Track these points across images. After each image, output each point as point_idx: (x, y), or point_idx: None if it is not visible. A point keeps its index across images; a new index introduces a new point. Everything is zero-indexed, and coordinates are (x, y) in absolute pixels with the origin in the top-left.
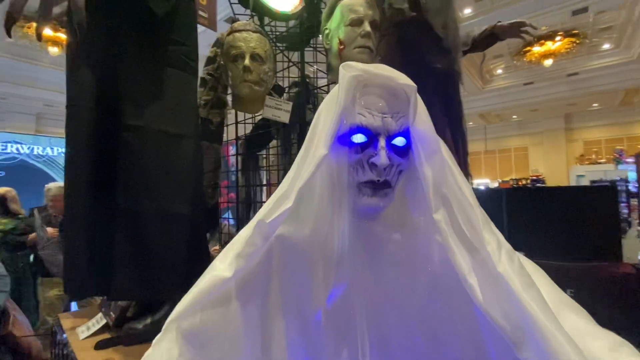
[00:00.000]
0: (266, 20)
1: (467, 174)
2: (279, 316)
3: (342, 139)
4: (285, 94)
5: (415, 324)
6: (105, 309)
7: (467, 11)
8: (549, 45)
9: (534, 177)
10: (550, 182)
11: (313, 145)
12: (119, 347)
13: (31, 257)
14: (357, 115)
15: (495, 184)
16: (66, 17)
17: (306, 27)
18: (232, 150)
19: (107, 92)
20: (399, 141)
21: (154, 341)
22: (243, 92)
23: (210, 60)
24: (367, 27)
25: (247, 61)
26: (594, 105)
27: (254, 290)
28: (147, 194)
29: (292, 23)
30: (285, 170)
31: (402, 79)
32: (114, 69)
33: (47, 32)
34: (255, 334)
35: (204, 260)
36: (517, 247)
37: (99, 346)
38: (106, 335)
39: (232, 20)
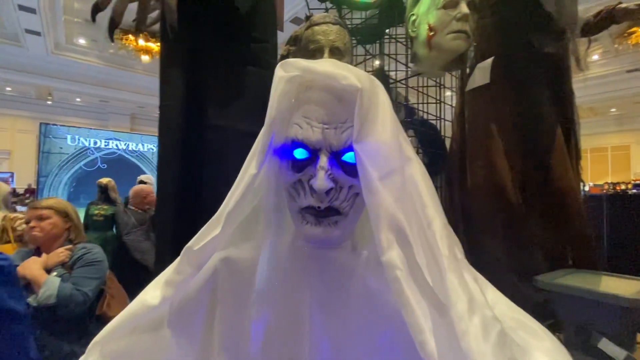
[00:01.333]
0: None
1: (579, 178)
2: (219, 346)
3: (284, 154)
4: None
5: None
6: None
7: None
8: None
9: (638, 182)
10: None
11: (248, 163)
12: None
13: None
14: (294, 127)
15: (585, 189)
16: (160, 19)
17: (385, 16)
18: None
19: (193, 92)
20: (350, 157)
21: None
22: None
23: (282, 59)
24: (464, 8)
25: (326, 55)
26: None
27: (192, 319)
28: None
29: (368, 13)
30: None
31: (347, 78)
32: (200, 69)
33: (140, 42)
34: None
35: None
36: (618, 263)
37: None
38: None
39: (307, 17)
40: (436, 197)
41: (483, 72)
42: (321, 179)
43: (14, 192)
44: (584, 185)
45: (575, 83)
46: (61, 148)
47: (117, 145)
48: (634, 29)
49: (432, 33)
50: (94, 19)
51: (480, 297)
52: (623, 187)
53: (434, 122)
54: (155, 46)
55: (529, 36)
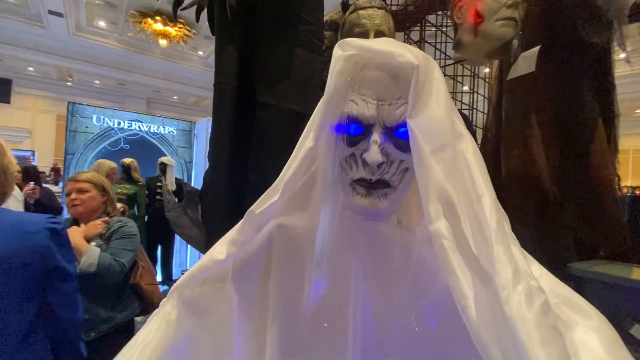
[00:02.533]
0: None
1: (616, 176)
2: (275, 305)
3: (339, 129)
4: None
5: (415, 342)
6: None
7: None
8: None
9: None
10: None
11: (305, 136)
12: None
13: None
14: (350, 103)
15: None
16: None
17: (426, 3)
18: None
19: (246, 71)
20: (402, 133)
21: (160, 303)
22: None
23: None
24: None
25: (372, 38)
26: None
27: (251, 276)
28: (274, 171)
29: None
30: None
31: (403, 56)
32: (252, 49)
33: (158, 26)
34: (248, 319)
35: None
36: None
37: None
38: None
39: (343, 3)
40: (487, 174)
41: (528, 60)
42: (374, 153)
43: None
44: (619, 180)
45: None
46: (87, 127)
47: (139, 127)
48: None
49: (479, 19)
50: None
51: (526, 268)
52: None
53: (466, 112)
54: (173, 30)
55: (576, 26)
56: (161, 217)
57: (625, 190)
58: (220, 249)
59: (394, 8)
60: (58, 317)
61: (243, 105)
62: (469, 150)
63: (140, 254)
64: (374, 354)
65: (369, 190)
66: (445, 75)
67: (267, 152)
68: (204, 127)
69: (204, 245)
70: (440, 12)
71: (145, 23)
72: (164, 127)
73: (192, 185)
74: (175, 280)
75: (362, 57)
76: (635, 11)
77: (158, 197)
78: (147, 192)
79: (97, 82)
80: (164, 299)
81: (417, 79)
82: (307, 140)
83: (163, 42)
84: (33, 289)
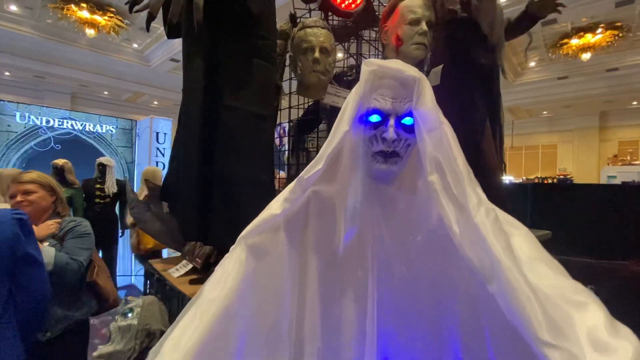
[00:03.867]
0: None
1: (502, 162)
2: (312, 247)
3: (362, 118)
4: (345, 78)
5: (417, 263)
6: (189, 257)
7: (502, 0)
8: (589, 38)
9: (562, 176)
10: (579, 182)
11: (340, 123)
12: None
13: None
14: (373, 100)
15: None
16: (186, 16)
17: (362, 21)
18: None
19: (212, 78)
20: (407, 120)
21: (231, 248)
22: (311, 80)
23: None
24: (424, 26)
25: (316, 54)
26: (633, 103)
27: (296, 226)
28: (239, 164)
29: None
30: None
31: (410, 71)
32: (217, 59)
33: (84, 14)
34: (294, 260)
35: None
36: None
37: (194, 282)
38: (194, 276)
39: (291, 15)
40: (459, 146)
41: (435, 75)
42: (391, 132)
43: None
44: (505, 167)
45: (516, 87)
46: (9, 126)
47: (72, 125)
48: (565, 40)
49: (400, 42)
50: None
51: (484, 198)
52: (549, 180)
53: None
54: (102, 20)
55: (469, 49)
56: (101, 221)
57: (536, 180)
58: (276, 205)
59: (335, 23)
60: (26, 300)
61: (210, 107)
62: (448, 131)
63: (94, 254)
64: (387, 273)
65: (385, 159)
66: None
67: (232, 148)
68: (146, 125)
69: (167, 238)
70: (374, 29)
71: (68, 10)
72: (101, 126)
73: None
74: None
75: (380, 71)
76: (511, 29)
77: (97, 200)
78: (84, 195)
79: (7, 73)
80: (233, 245)
81: (418, 86)
82: (341, 125)
83: (90, 32)
84: (4, 275)
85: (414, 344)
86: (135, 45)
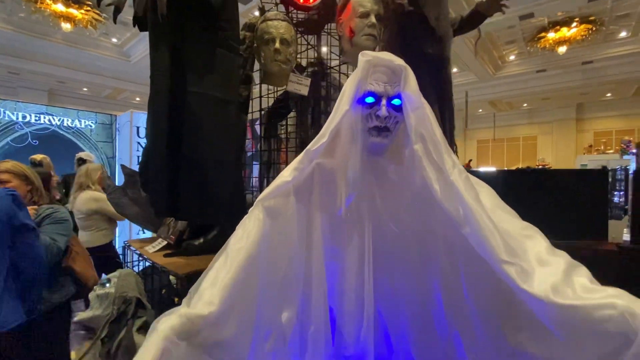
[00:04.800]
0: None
1: (452, 144)
2: (317, 210)
3: (359, 100)
4: (305, 73)
5: (405, 220)
6: (163, 235)
7: None
8: (564, 32)
9: (540, 166)
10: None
11: (340, 104)
12: (181, 257)
13: None
14: (369, 85)
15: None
16: (150, 7)
17: (322, 16)
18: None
19: (177, 66)
20: (396, 101)
21: (249, 211)
22: (273, 69)
23: (242, 43)
24: (372, 19)
25: (277, 44)
26: (607, 95)
27: (303, 193)
28: (204, 145)
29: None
30: (301, 138)
31: (398, 61)
32: (182, 49)
33: (59, 7)
34: (302, 219)
35: (241, 196)
36: None
37: (167, 255)
38: (168, 251)
39: (260, 8)
40: (437, 122)
41: None
42: (384, 110)
43: None
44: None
45: (497, 80)
46: None
47: (49, 121)
48: (542, 34)
49: (352, 34)
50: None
51: (457, 162)
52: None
53: None
54: (78, 13)
55: (417, 40)
56: None
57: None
58: (287, 173)
59: (301, 17)
60: (28, 266)
61: (176, 93)
62: (428, 111)
63: (74, 240)
64: (380, 231)
65: (379, 133)
66: (341, 73)
67: (198, 131)
68: (126, 120)
69: (144, 221)
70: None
71: (41, 3)
72: (79, 121)
73: (115, 182)
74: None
75: (374, 61)
76: (464, 24)
77: None
78: (64, 189)
79: None
80: (251, 208)
81: (404, 73)
82: (342, 105)
83: (66, 26)
84: (5, 244)
85: (403, 290)
86: (114, 40)
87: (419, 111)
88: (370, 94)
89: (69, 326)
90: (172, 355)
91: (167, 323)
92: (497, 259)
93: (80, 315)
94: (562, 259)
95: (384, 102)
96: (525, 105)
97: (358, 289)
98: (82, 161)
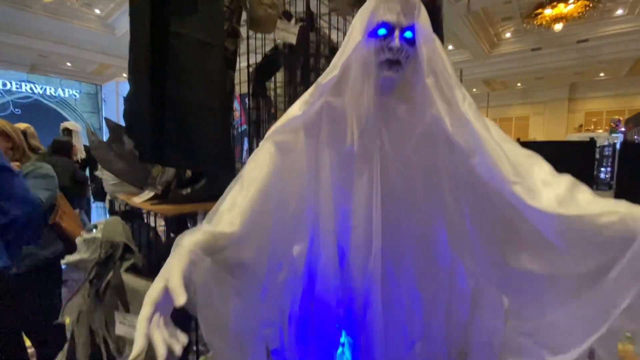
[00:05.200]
0: None
1: None
2: (326, 148)
3: (371, 33)
4: (292, 20)
5: (412, 159)
6: (151, 186)
7: None
8: (561, 8)
9: None
10: None
11: (351, 36)
12: (169, 205)
13: None
14: (381, 15)
15: None
16: None
17: None
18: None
19: (157, 6)
20: (408, 34)
21: (260, 143)
22: (259, 13)
23: None
24: None
25: None
26: (601, 75)
27: (311, 132)
28: (187, 88)
29: None
30: (290, 96)
31: None
32: None
33: None
34: (312, 156)
35: (229, 149)
36: None
37: (154, 204)
38: (155, 201)
39: None
40: (447, 56)
41: None
42: (397, 41)
43: None
44: None
45: (492, 58)
46: None
47: (32, 89)
48: (539, 10)
49: None
50: None
51: (468, 94)
52: None
53: None
54: None
55: None
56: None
57: None
58: (297, 107)
59: None
60: (14, 207)
61: (158, 33)
62: (438, 44)
63: (62, 200)
64: (386, 171)
65: (390, 67)
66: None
67: (180, 74)
68: (112, 90)
69: (130, 177)
70: None
71: None
72: (63, 90)
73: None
74: None
75: None
76: None
77: None
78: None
79: None
80: (261, 142)
81: (417, 5)
82: (354, 35)
83: None
84: None
85: (407, 226)
86: (97, 11)
87: (431, 44)
88: (383, 24)
89: (60, 284)
90: (198, 268)
91: (191, 239)
92: (507, 181)
93: (67, 258)
94: (565, 178)
95: (397, 33)
96: (519, 84)
97: (366, 224)
98: (67, 131)
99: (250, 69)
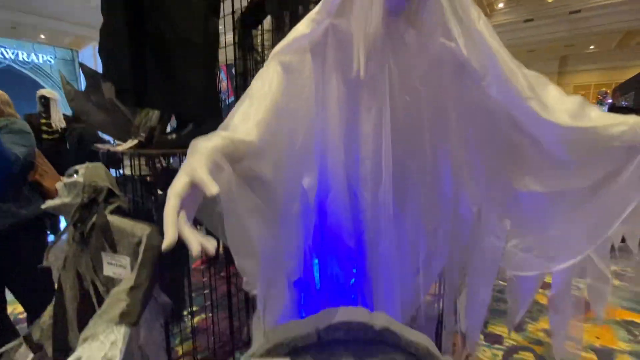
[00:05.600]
0: None
1: None
2: (333, 73)
3: None
4: None
5: (419, 90)
6: (135, 134)
7: None
8: None
9: None
10: None
11: None
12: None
13: None
14: None
15: None
16: None
17: None
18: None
19: None
20: None
21: (265, 63)
22: None
23: None
24: None
25: None
26: (591, 47)
27: (319, 51)
28: (168, 23)
29: None
30: None
31: None
32: None
33: None
34: (319, 82)
35: (213, 84)
36: None
37: (137, 147)
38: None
39: None
40: None
41: None
42: None
43: None
44: None
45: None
46: None
47: (2, 54)
48: None
49: None
50: None
51: (482, 13)
52: None
53: None
54: None
55: None
56: (52, 157)
57: None
58: (303, 26)
59: None
60: None
61: None
62: None
63: (41, 159)
64: (393, 101)
65: None
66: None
67: (161, 7)
68: (89, 55)
69: (112, 129)
70: None
71: None
72: (36, 55)
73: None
74: None
75: None
76: None
77: (45, 136)
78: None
79: None
80: (267, 61)
81: None
82: None
83: None
84: None
85: (412, 156)
86: None
87: None
88: None
89: (45, 244)
90: (223, 172)
91: (209, 143)
92: (522, 97)
93: (48, 203)
94: (576, 97)
95: None
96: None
97: (375, 156)
98: (45, 99)
99: (236, 16)
